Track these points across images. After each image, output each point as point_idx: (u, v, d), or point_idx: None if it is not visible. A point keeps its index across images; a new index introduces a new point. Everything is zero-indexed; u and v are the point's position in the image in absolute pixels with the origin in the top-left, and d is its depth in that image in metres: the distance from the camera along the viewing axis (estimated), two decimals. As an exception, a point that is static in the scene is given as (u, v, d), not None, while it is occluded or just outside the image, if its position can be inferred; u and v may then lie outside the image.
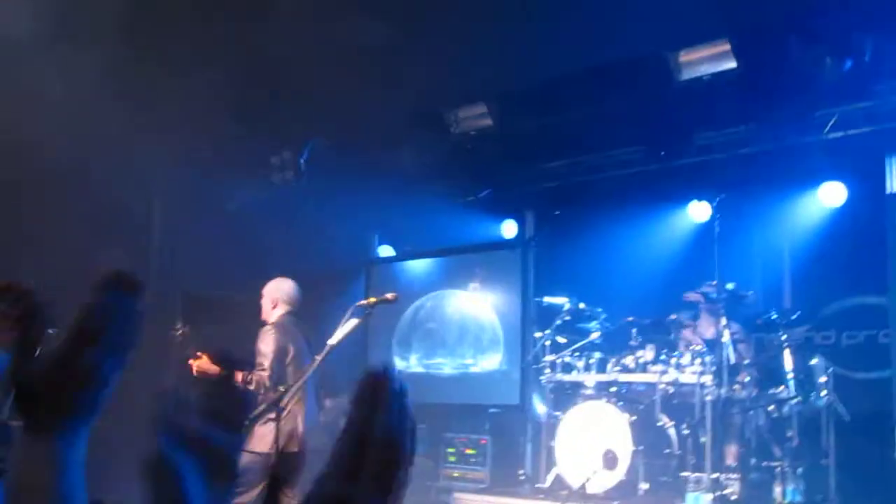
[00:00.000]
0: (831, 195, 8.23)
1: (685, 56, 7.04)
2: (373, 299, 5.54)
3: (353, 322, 5.31)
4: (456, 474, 9.14)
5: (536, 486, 7.64)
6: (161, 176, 8.84)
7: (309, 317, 8.82)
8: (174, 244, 9.64)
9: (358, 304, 5.43)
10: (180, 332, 7.21)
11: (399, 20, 6.28)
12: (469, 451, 9.15)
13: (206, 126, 7.60)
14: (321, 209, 9.30)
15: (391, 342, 10.26)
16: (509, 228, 10.14)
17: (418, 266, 10.45)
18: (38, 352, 1.35)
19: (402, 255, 10.78)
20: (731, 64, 6.86)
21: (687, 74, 7.01)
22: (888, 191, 7.50)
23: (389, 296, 5.58)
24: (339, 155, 9.18)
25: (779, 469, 6.96)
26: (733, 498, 6.83)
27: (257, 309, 6.98)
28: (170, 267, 9.62)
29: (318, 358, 5.48)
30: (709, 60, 6.95)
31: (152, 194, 9.82)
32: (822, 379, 7.35)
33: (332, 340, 5.30)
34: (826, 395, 7.29)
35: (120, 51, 6.70)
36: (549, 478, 7.50)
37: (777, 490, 6.88)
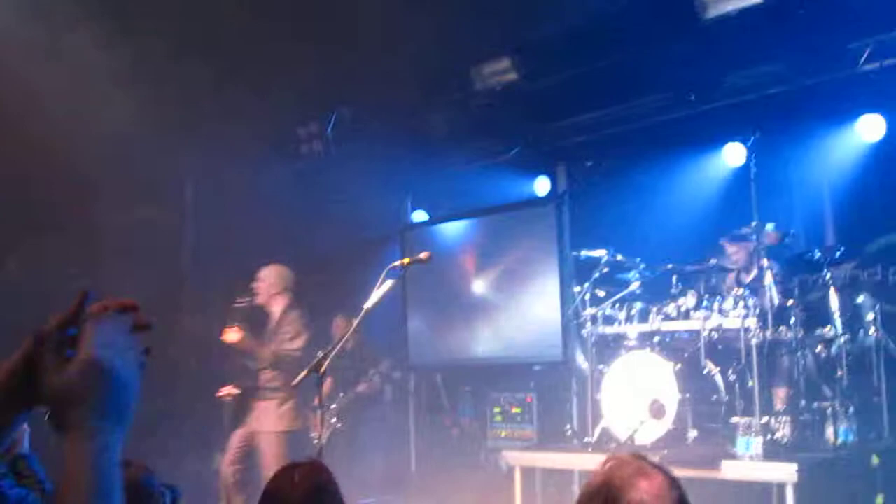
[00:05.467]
0: (870, 129, 8.04)
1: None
2: (406, 260, 5.55)
3: (388, 284, 5.32)
4: (504, 434, 9.14)
5: (584, 440, 7.59)
6: (192, 156, 8.89)
7: (347, 285, 8.85)
8: (209, 223, 9.70)
9: (391, 265, 5.42)
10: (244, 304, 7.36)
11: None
12: (515, 410, 9.14)
13: (230, 103, 7.60)
14: (353, 178, 9.27)
15: (430, 307, 10.23)
16: (543, 185, 10.03)
17: (453, 228, 10.38)
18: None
19: (436, 219, 10.71)
20: (758, -3, 6.66)
21: (713, 12, 6.82)
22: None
23: (423, 255, 5.54)
24: (366, 122, 9.13)
25: (830, 409, 6.82)
26: (785, 441, 6.72)
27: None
28: (207, 245, 9.70)
29: (356, 322, 5.49)
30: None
31: (185, 175, 9.89)
32: (870, 316, 7.24)
33: (368, 304, 5.31)
34: (875, 332, 7.17)
35: (144, 36, 6.72)
36: (597, 431, 7.45)
37: (829, 431, 6.74)
